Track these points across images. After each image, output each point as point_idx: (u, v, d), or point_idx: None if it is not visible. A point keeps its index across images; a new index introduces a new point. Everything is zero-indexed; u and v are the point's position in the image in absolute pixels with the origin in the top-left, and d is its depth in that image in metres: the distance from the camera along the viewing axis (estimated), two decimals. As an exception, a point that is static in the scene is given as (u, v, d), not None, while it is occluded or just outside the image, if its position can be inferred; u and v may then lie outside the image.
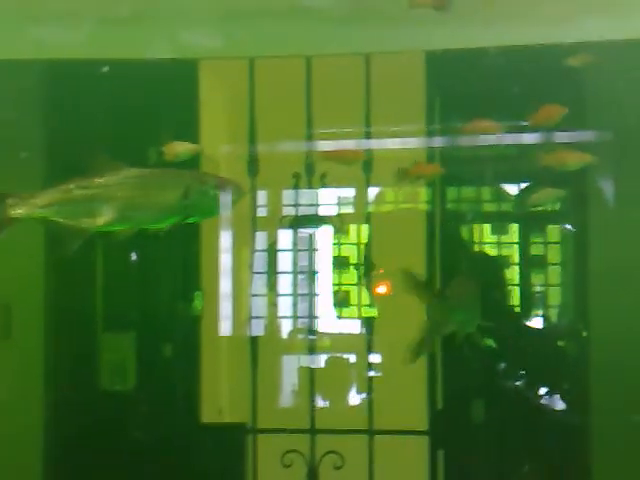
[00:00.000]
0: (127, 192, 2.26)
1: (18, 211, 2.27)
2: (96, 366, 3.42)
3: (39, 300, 3.43)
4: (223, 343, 3.71)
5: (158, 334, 3.45)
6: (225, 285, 3.69)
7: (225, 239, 3.72)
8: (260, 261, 3.72)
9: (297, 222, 3.81)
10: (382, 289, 3.83)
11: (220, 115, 3.74)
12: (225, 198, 2.30)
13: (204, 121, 3.53)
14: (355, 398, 3.95)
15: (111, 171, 2.26)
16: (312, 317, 3.75)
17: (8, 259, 3.35)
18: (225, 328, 3.68)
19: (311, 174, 3.61)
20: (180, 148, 2.80)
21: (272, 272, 3.80)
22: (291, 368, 3.88)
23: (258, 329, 3.63)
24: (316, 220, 3.83)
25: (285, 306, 3.90)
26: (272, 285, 3.80)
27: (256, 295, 3.68)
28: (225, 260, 3.71)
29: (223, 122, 3.76)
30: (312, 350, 3.70)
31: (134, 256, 3.44)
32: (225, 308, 3.68)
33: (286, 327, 3.95)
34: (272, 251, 3.80)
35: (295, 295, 3.86)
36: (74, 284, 3.43)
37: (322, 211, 3.87)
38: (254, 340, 3.54)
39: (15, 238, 3.26)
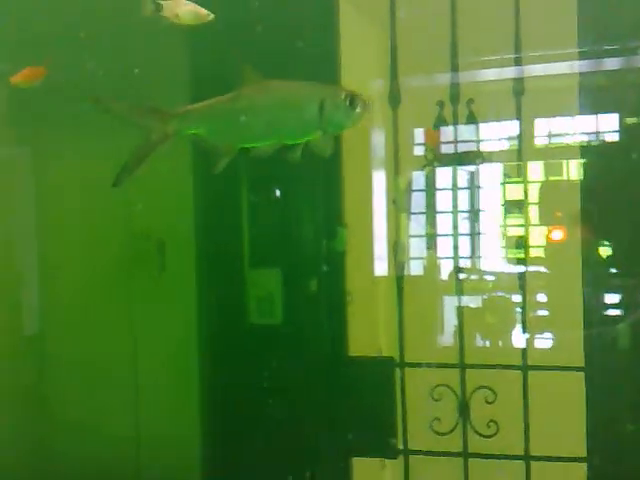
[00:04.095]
0: (269, 107, 2.25)
1: (172, 128, 2.28)
2: (244, 300, 3.51)
3: (190, 236, 3.55)
4: (368, 278, 3.71)
5: (303, 270, 3.49)
6: (369, 221, 3.69)
7: (369, 174, 3.71)
8: (405, 197, 3.69)
9: (447, 159, 3.74)
10: (556, 232, 3.74)
11: (360, 44, 3.67)
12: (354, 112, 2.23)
13: (344, 50, 3.49)
14: (508, 336, 3.90)
15: (253, 84, 2.25)
16: (457, 256, 3.70)
17: (160, 195, 3.51)
18: (370, 263, 3.68)
19: (456, 105, 3.51)
20: (184, 9, 2.44)
21: (408, 207, 3.78)
22: (441, 305, 3.85)
23: (403, 265, 3.58)
24: (467, 156, 3.74)
25: (427, 243, 3.88)
26: (408, 220, 3.79)
27: (402, 232, 3.64)
28: (369, 196, 3.69)
29: (364, 52, 3.69)
30: (460, 286, 3.64)
31: (278, 192, 3.48)
32: (369, 244, 3.68)
33: (432, 263, 3.93)
34: (408, 188, 3.76)
35: (428, 232, 3.82)
36: (222, 220, 3.53)
37: (473, 147, 3.77)
38: (400, 275, 3.52)
39: (165, 175, 3.42)
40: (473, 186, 3.91)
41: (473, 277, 4.05)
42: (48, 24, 3.44)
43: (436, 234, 3.88)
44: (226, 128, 2.26)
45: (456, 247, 3.65)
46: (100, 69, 3.31)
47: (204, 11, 2.49)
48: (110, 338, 3.70)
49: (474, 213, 3.93)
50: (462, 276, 3.67)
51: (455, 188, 3.75)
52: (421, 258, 4.08)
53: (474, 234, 3.94)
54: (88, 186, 3.52)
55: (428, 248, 4.00)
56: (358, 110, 2.25)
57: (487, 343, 4.11)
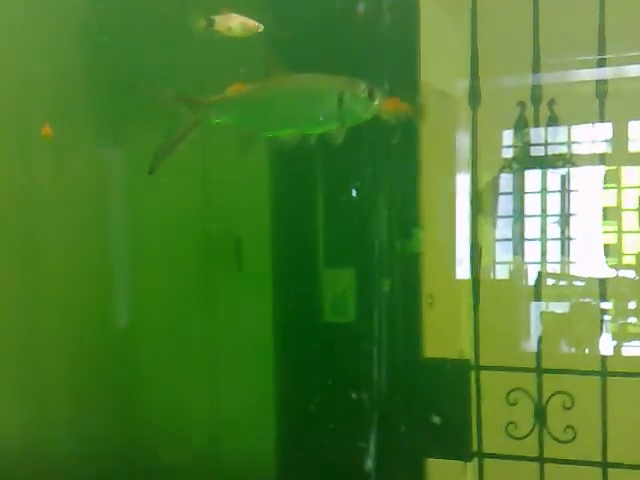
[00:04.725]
0: (290, 98, 2.40)
1: (201, 116, 2.43)
2: (318, 299, 3.54)
3: (266, 235, 3.60)
4: (450, 281, 3.70)
5: (377, 270, 3.50)
6: (450, 223, 3.68)
7: (449, 176, 3.70)
8: (484, 199, 3.67)
9: (527, 161, 3.71)
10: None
11: (441, 43, 3.66)
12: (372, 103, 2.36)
13: (424, 49, 3.48)
14: (589, 343, 3.84)
15: (278, 74, 2.39)
16: (543, 261, 3.68)
17: (237, 196, 3.58)
18: (451, 266, 3.67)
19: (538, 105, 3.48)
20: (235, 22, 2.52)
21: (492, 211, 3.76)
22: (524, 310, 3.82)
23: (479, 268, 3.56)
24: (547, 159, 3.70)
25: (513, 247, 3.85)
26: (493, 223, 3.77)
27: (480, 235, 3.61)
28: (449, 198, 3.68)
29: (444, 51, 3.68)
30: (540, 291, 3.62)
31: (354, 192, 3.50)
32: (450, 246, 3.67)
33: (516, 268, 3.90)
34: (490, 189, 3.74)
35: (513, 236, 3.79)
36: (297, 220, 3.57)
37: (555, 149, 3.73)
38: (476, 278, 3.50)
39: (242, 174, 3.49)
40: (563, 189, 3.87)
41: (557, 282, 4.01)
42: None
43: (521, 238, 3.85)
44: (250, 117, 2.39)
45: (543, 253, 3.65)
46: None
47: (254, 23, 2.57)
48: (189, 333, 3.78)
49: (560, 217, 3.89)
50: (545, 281, 3.66)
51: (544, 192, 3.74)
52: (505, 262, 4.06)
53: (559, 239, 3.90)
54: (170, 186, 3.61)
55: (514, 253, 3.97)
56: (376, 102, 2.36)
57: (568, 349, 4.07)
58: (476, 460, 3.46)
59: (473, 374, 3.47)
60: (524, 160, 3.74)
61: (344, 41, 3.36)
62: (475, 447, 3.45)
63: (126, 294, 3.96)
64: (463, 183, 3.64)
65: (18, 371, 3.97)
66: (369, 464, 3.41)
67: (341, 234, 3.53)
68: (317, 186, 3.53)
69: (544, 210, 3.82)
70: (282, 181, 3.53)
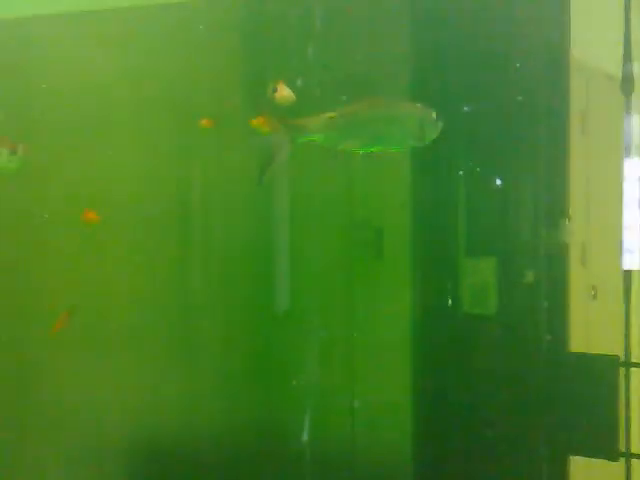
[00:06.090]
0: (375, 120, 2.74)
1: (293, 135, 2.74)
2: (458, 289, 3.50)
3: (407, 224, 3.59)
4: (593, 273, 3.57)
5: (519, 260, 3.41)
6: (596, 214, 3.54)
7: (598, 165, 3.56)
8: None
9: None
10: None
11: (593, 27, 3.51)
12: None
13: (575, 35, 3.37)
14: None
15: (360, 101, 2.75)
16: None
17: (379, 186, 3.59)
18: (595, 258, 3.54)
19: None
20: (287, 92, 3.00)
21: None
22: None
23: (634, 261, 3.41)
24: None
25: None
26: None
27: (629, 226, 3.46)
28: (610, 186, 3.53)
29: (596, 35, 3.54)
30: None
31: (498, 181, 3.44)
32: (596, 238, 3.54)
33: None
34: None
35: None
36: (438, 209, 3.54)
37: None
38: (627, 272, 3.34)
39: (384, 166, 3.50)
40: None
41: None
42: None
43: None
44: (332, 137, 2.73)
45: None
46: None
47: (293, 95, 3.03)
48: (333, 319, 3.81)
49: None
50: None
51: None
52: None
53: None
54: (319, 178, 3.70)
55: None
56: (441, 124, 2.71)
57: None
58: (623, 460, 3.33)
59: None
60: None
61: (491, 32, 3.34)
62: (623, 447, 3.31)
63: (278, 282, 4.02)
64: (630, 170, 3.50)
65: (177, 349, 4.12)
66: (508, 460, 3.35)
67: (483, 223, 3.48)
68: (458, 175, 3.49)
69: None
70: (423, 172, 3.52)
